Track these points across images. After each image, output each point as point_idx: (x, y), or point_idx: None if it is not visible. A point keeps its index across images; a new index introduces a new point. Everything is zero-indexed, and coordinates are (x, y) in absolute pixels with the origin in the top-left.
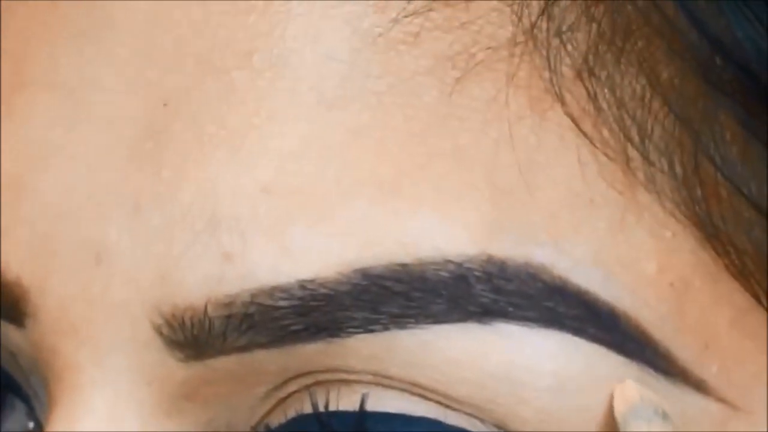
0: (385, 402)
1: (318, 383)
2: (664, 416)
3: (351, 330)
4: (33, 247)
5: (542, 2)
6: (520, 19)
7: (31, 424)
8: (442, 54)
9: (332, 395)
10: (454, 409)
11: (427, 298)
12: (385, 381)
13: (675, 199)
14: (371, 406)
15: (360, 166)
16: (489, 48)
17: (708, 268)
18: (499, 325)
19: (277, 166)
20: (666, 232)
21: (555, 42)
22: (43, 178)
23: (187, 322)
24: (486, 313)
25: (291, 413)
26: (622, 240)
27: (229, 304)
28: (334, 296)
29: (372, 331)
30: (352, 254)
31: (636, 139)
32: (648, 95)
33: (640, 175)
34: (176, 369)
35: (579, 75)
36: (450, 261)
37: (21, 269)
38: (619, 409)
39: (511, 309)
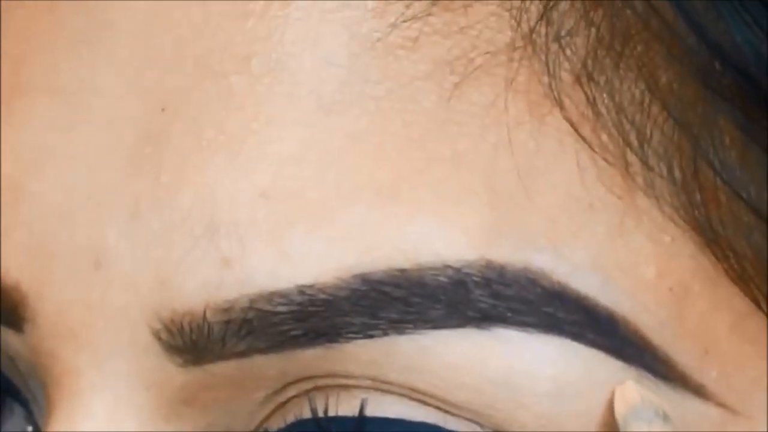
0: (384, 407)
1: (317, 388)
2: (665, 417)
3: (350, 335)
4: (32, 252)
5: (541, 7)
6: (518, 23)
7: (29, 428)
8: (440, 59)
9: (331, 400)
10: (453, 414)
11: (425, 304)
12: (384, 386)
13: (674, 204)
14: (370, 411)
15: (359, 171)
16: (488, 53)
17: (707, 273)
18: (497, 331)
19: (276, 171)
20: (665, 236)
21: (554, 47)
22: (42, 182)
23: (186, 328)
24: (485, 319)
25: (290, 418)
26: (621, 245)
27: (228, 310)
28: (333, 301)
29: (371, 336)
30: (351, 259)
31: (635, 143)
32: (647, 100)
33: (639, 179)
34: (175, 374)
35: (578, 80)
36: (449, 266)
37: (20, 274)
38: (620, 410)
39: (509, 314)
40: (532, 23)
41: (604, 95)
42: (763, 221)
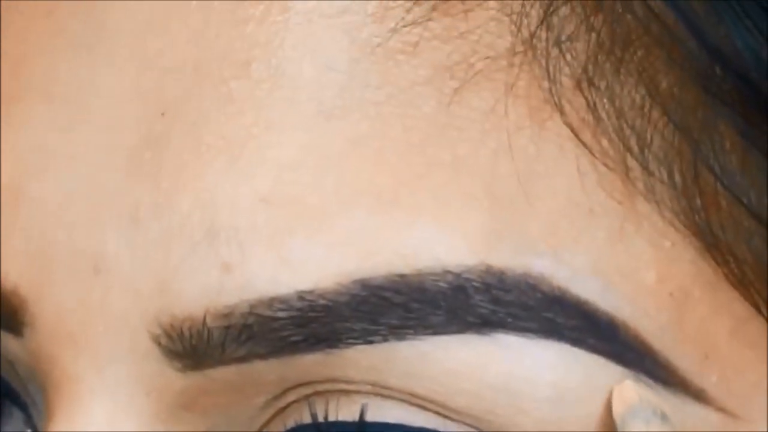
0: (384, 412)
1: (317, 393)
2: (663, 417)
3: (350, 341)
4: (31, 257)
5: (541, 12)
6: (519, 28)
7: None
8: (440, 64)
9: (331, 405)
10: (453, 420)
11: (426, 309)
12: (384, 391)
13: (674, 209)
14: (370, 417)
15: (359, 176)
16: (488, 58)
17: (707, 278)
18: (498, 336)
19: (276, 176)
20: (665, 241)
21: (554, 52)
22: (42, 187)
23: (186, 333)
24: (485, 324)
25: (290, 423)
26: (621, 250)
27: (227, 315)
28: (333, 307)
29: (371, 342)
30: (351, 265)
31: (635, 148)
32: (647, 105)
33: (640, 184)
34: (175, 379)
35: (578, 85)
36: (449, 271)
37: (19, 278)
38: (618, 409)
39: (510, 320)
40: (532, 28)
41: (605, 100)
42: (764, 226)
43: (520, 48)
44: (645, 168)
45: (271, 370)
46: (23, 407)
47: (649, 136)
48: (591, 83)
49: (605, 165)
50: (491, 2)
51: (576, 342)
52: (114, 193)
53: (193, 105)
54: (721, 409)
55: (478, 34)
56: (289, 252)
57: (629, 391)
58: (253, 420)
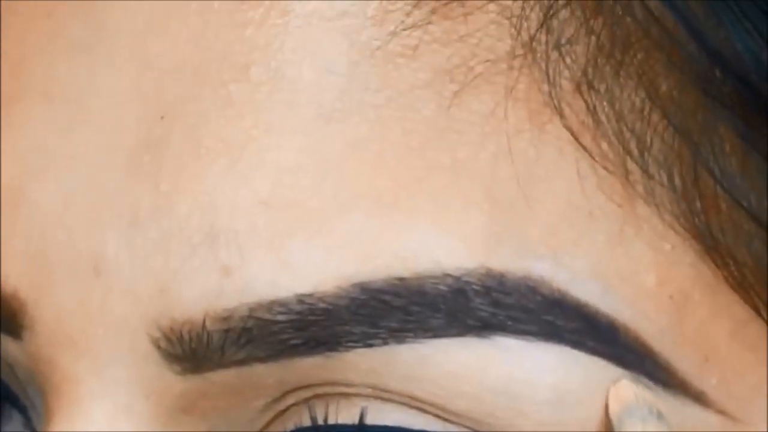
0: (384, 415)
1: (317, 396)
2: (659, 416)
3: (350, 344)
4: (30, 260)
5: (541, 15)
6: (518, 32)
7: None
8: (440, 67)
9: (331, 408)
10: (453, 423)
11: (425, 312)
12: (384, 394)
13: (674, 212)
14: (370, 420)
15: (358, 180)
16: (488, 61)
17: (707, 281)
18: (498, 339)
19: (275, 179)
20: (665, 244)
21: (554, 55)
22: (41, 189)
23: (186, 336)
24: (485, 327)
25: (290, 426)
26: (621, 253)
27: (227, 318)
28: (333, 310)
29: (371, 345)
30: (350, 268)
31: (635, 151)
32: (647, 108)
33: (639, 187)
34: (174, 382)
35: (578, 88)
36: (448, 274)
37: (18, 281)
38: (614, 408)
39: (510, 322)
40: (532, 31)
41: (605, 103)
42: (764, 229)
43: (519, 51)
44: (645, 171)
45: (270, 374)
46: (22, 410)
47: (648, 139)
48: (591, 86)
49: (605, 168)
50: (491, 5)
51: (576, 344)
52: (113, 195)
53: (193, 107)
54: (720, 412)
55: (477, 38)
56: (288, 255)
57: (626, 390)
58: (252, 423)
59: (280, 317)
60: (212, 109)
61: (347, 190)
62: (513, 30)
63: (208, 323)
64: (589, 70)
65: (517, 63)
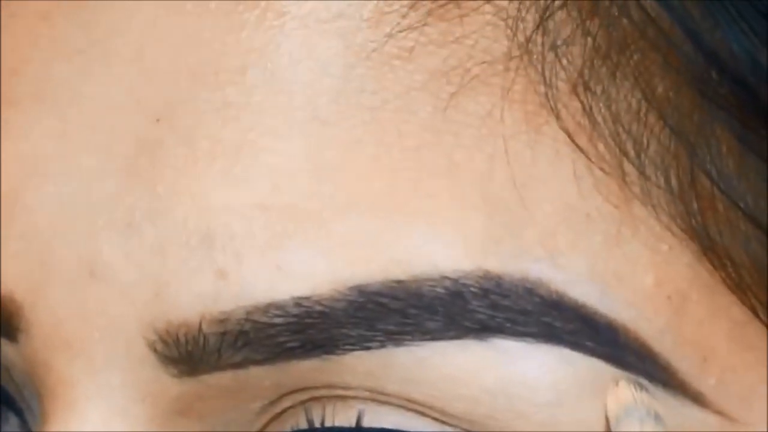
0: (381, 418)
1: (314, 399)
2: (657, 417)
3: (347, 347)
4: (27, 263)
5: (537, 16)
6: (515, 33)
7: None
8: (436, 69)
9: (328, 411)
10: (451, 425)
11: (423, 315)
12: (381, 397)
13: (671, 213)
14: (367, 422)
15: (354, 182)
16: (484, 62)
17: (705, 281)
18: (495, 341)
19: (272, 182)
20: (662, 245)
21: (550, 56)
22: (37, 193)
23: (182, 339)
24: (483, 329)
25: (287, 428)
26: (618, 254)
27: (224, 321)
28: (330, 313)
29: (368, 348)
30: (347, 271)
31: (632, 153)
32: (643, 109)
33: (636, 189)
34: (170, 385)
35: (574, 89)
36: (446, 277)
37: (14, 284)
38: (612, 409)
39: (508, 325)
40: (528, 33)
41: (601, 105)
42: (761, 230)
43: (516, 52)
44: (641, 172)
45: (267, 376)
46: (19, 412)
47: (645, 141)
48: (587, 88)
49: (601, 169)
50: (487, 7)
51: (575, 346)
52: (109, 199)
53: (189, 110)
54: (719, 412)
55: (474, 39)
56: (285, 258)
57: (624, 391)
58: (249, 425)
59: (277, 320)
60: (208, 111)
61: (343, 192)
62: (509, 31)
63: (204, 326)
64: (586, 71)
65: (513, 64)
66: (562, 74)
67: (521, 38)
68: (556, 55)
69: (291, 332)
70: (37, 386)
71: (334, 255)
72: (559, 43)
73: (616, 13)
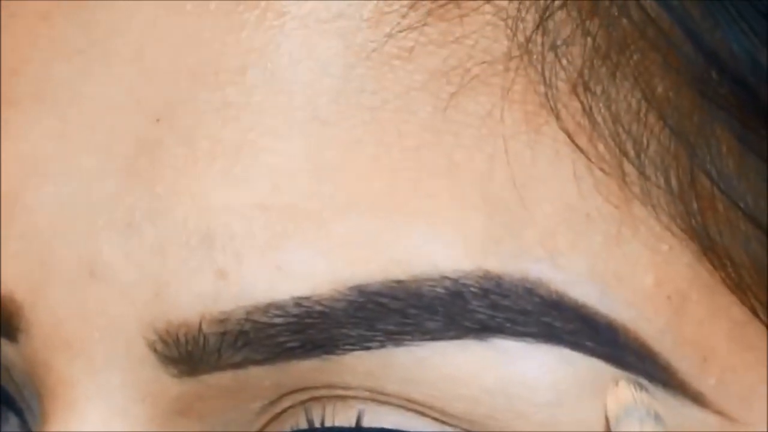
0: (380, 417)
1: (313, 399)
2: (657, 417)
3: (347, 347)
4: (27, 263)
5: (537, 16)
6: (514, 33)
7: None
8: (436, 69)
9: (328, 411)
10: (451, 425)
11: (423, 315)
12: (381, 397)
13: (671, 213)
14: (367, 422)
15: (354, 182)
16: (484, 62)
17: (705, 281)
18: (495, 341)
19: (271, 182)
20: (662, 245)
21: (550, 56)
22: (37, 193)
23: (182, 339)
24: (483, 329)
25: (286, 428)
26: (618, 254)
27: (224, 321)
28: (330, 313)
29: (368, 348)
30: (347, 271)
31: (631, 153)
32: (643, 109)
33: (636, 189)
34: (170, 385)
35: (574, 89)
36: (446, 277)
37: (15, 284)
38: (612, 409)
39: (508, 325)
40: (528, 33)
41: (601, 105)
42: (761, 230)
43: (516, 52)
44: (641, 172)
45: (267, 376)
46: (19, 412)
47: (645, 141)
48: (587, 88)
49: (601, 169)
50: (487, 7)
51: (575, 346)
52: (109, 199)
53: (189, 110)
54: (719, 412)
55: (473, 39)
56: (285, 258)
57: (624, 391)
58: (249, 425)
59: (277, 320)
60: (208, 111)
61: (343, 192)
62: (509, 31)
63: (204, 326)
64: (585, 71)
65: (513, 64)
66: (561, 74)
67: (521, 38)
68: (556, 55)
69: (291, 332)
70: (37, 386)
71: (334, 255)
72: (558, 43)
73: (616, 13)
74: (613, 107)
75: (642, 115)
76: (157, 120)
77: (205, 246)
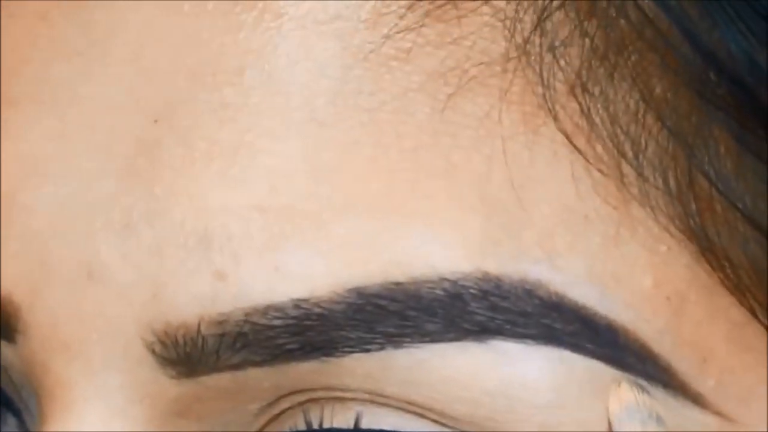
0: (380, 419)
1: (312, 400)
2: (658, 419)
3: (346, 349)
4: (25, 264)
5: (535, 17)
6: (512, 34)
7: None
8: (434, 70)
9: (326, 412)
10: (451, 427)
11: (422, 317)
12: (380, 399)
13: (669, 214)
14: (366, 423)
15: (352, 184)
16: (482, 64)
17: (703, 282)
18: (495, 343)
19: (269, 183)
20: (661, 246)
21: (548, 57)
22: (35, 194)
23: (180, 340)
24: (482, 331)
25: (285, 429)
26: (617, 255)
27: (222, 323)
28: (329, 315)
29: (367, 350)
30: (345, 272)
31: (630, 154)
32: (641, 110)
33: (634, 190)
34: (168, 386)
35: (572, 90)
36: (445, 279)
37: (13, 285)
38: (614, 410)
39: (507, 326)
40: (526, 34)
41: (599, 106)
42: (759, 231)
43: (513, 54)
44: (640, 173)
45: (265, 378)
46: (17, 413)
47: (643, 142)
48: (585, 89)
49: (600, 171)
50: (484, 8)
51: (575, 347)
52: (107, 200)
53: (187, 111)
54: (718, 413)
55: (471, 40)
56: (283, 259)
57: (626, 392)
58: (247, 426)
59: (276, 322)
60: (206, 112)
61: (341, 193)
62: (507, 32)
63: (202, 327)
64: (583, 72)
65: (510, 66)
66: (559, 75)
67: (519, 39)
68: (554, 56)
69: (290, 334)
70: (35, 387)
71: (332, 256)
72: (556, 44)
73: (614, 14)
74: (611, 108)
75: (640, 116)
76: (156, 120)
77: (202, 247)
